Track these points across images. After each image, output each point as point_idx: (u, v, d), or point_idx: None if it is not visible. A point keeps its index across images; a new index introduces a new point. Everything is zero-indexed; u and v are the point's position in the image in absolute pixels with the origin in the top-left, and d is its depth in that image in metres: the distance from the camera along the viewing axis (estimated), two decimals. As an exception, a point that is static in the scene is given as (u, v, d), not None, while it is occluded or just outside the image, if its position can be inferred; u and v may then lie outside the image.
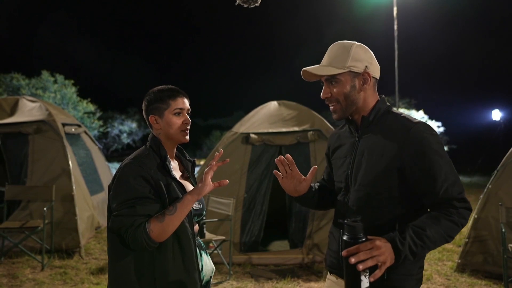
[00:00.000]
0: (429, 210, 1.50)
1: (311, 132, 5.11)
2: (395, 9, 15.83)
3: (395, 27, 15.75)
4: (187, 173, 1.88)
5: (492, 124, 26.64)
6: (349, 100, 1.59)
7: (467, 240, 4.65)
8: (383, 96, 1.66)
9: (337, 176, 1.71)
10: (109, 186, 1.70)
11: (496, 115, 26.21)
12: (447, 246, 5.88)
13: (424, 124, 1.51)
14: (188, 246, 1.69)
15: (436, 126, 21.28)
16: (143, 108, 1.81)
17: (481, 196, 4.68)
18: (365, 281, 1.24)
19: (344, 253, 1.27)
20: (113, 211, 1.60)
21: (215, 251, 4.41)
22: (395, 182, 1.49)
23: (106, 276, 4.48)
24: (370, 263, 1.24)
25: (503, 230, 3.91)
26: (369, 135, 1.60)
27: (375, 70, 1.62)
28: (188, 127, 1.78)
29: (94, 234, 6.11)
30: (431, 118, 21.42)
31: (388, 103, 1.65)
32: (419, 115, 21.15)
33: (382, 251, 1.28)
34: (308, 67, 1.62)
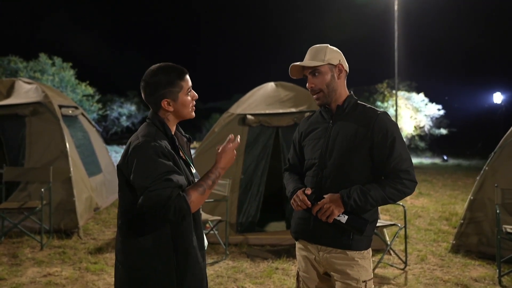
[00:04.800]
0: (383, 178, 1.94)
1: (308, 113, 5.07)
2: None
3: (395, 7, 15.53)
4: (182, 149, 1.88)
5: (493, 107, 26.53)
6: (330, 87, 1.97)
7: (462, 221, 4.68)
8: (351, 92, 2.05)
9: (310, 155, 2.06)
10: (119, 166, 1.69)
11: (498, 97, 26.07)
12: (443, 227, 5.93)
13: (386, 113, 1.95)
14: (199, 224, 1.77)
15: (437, 109, 20.99)
16: (147, 92, 1.73)
17: (478, 178, 4.69)
18: (342, 218, 1.87)
19: (314, 212, 1.92)
20: (145, 188, 1.55)
21: (212, 232, 4.45)
22: (364, 157, 1.92)
23: (104, 255, 4.53)
24: (326, 214, 1.88)
25: (498, 211, 3.93)
26: (342, 121, 1.98)
27: (345, 64, 2.03)
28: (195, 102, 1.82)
29: (93, 216, 6.16)
30: (431, 101, 21.09)
31: (355, 97, 2.04)
32: (419, 98, 20.92)
33: (327, 206, 1.88)
34: (296, 63, 1.99)
